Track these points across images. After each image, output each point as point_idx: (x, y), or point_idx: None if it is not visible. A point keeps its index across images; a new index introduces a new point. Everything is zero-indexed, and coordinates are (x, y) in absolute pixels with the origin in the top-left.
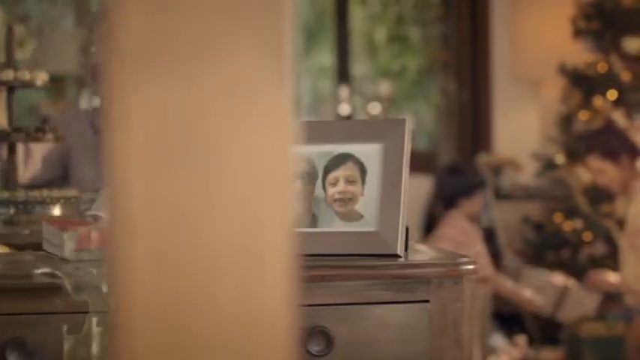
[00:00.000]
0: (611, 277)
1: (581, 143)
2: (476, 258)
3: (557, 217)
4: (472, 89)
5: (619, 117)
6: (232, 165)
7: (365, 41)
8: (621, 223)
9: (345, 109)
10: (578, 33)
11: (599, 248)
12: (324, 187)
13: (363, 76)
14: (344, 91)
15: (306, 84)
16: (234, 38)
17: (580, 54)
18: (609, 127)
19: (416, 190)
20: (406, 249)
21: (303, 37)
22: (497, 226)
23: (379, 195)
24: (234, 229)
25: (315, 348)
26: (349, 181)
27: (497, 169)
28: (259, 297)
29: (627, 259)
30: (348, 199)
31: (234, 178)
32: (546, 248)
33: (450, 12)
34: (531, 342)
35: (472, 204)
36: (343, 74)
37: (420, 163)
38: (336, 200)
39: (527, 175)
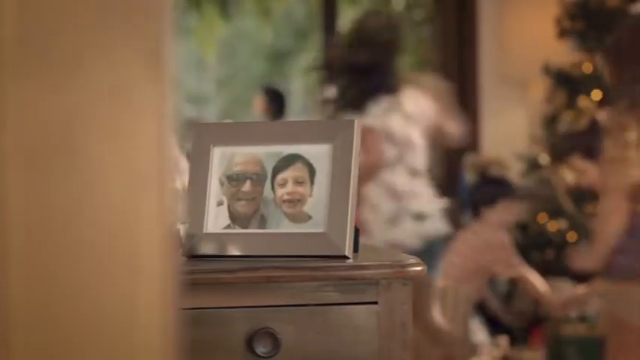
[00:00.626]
0: None
1: (564, 143)
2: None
3: (542, 218)
4: (459, 90)
5: (603, 117)
6: (109, 167)
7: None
8: None
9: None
10: (562, 33)
11: (583, 248)
12: (273, 188)
13: None
14: (331, 91)
15: (297, 83)
16: (112, 39)
17: (565, 54)
18: (593, 127)
19: None
20: (357, 250)
21: (295, 37)
22: None
23: (328, 196)
24: (110, 230)
25: (261, 349)
26: (298, 182)
27: (483, 170)
28: (135, 298)
29: None
30: (296, 200)
31: (112, 181)
32: (530, 249)
33: (438, 12)
34: (513, 342)
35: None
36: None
37: None
38: (284, 201)
39: (514, 175)
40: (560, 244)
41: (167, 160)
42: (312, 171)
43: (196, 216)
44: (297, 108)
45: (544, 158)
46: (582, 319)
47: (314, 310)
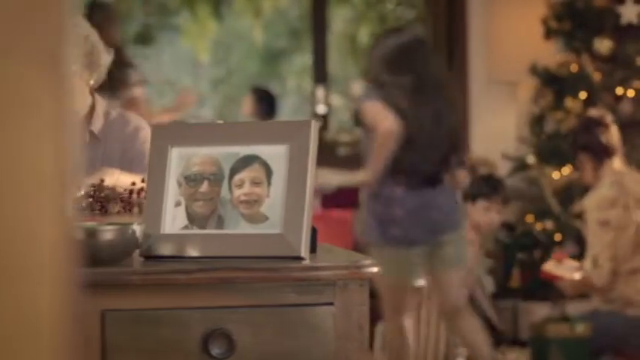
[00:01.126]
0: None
1: (555, 142)
2: None
3: (529, 218)
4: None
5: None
6: (4, 170)
7: (347, 41)
8: None
9: (321, 108)
10: (549, 33)
11: (570, 249)
12: (230, 189)
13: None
14: (320, 91)
15: (291, 84)
16: (6, 40)
17: (552, 54)
18: (590, 123)
19: None
20: (314, 251)
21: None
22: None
23: (284, 197)
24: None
25: (216, 351)
26: (255, 183)
27: (472, 170)
28: (31, 303)
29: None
30: (253, 201)
31: (6, 184)
32: (517, 249)
33: (428, 12)
34: (498, 343)
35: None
36: (320, 74)
37: None
38: (241, 202)
39: (503, 175)
40: (547, 245)
41: (65, 160)
42: (269, 172)
43: (153, 216)
44: (292, 108)
45: (531, 158)
46: (566, 319)
47: (270, 311)
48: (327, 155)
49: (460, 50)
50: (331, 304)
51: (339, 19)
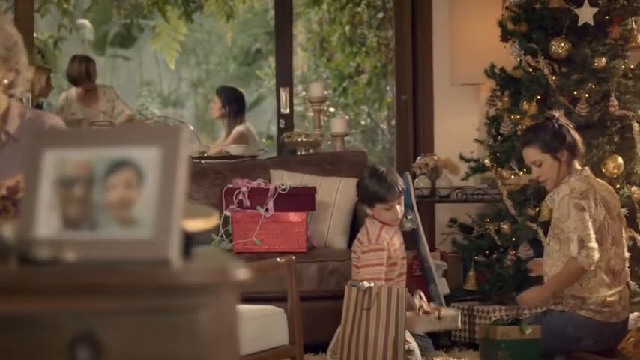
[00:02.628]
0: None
1: (510, 144)
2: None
3: (487, 220)
4: (414, 92)
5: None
6: None
7: (318, 43)
8: (546, 226)
9: (284, 110)
10: (506, 35)
11: (525, 251)
12: (103, 193)
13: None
14: (284, 93)
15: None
16: None
17: (510, 57)
18: (551, 121)
19: (346, 191)
20: (188, 254)
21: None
22: (420, 229)
23: (156, 200)
24: None
25: (84, 355)
26: (127, 187)
27: (434, 171)
28: None
29: (549, 255)
30: (125, 205)
31: None
32: (474, 251)
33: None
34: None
35: (389, 211)
36: (283, 76)
37: (350, 165)
38: (114, 206)
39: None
40: (503, 247)
41: None
42: (141, 175)
43: (28, 220)
44: (270, 109)
45: (487, 160)
46: (516, 322)
47: (139, 316)
48: (288, 157)
49: (425, 52)
50: (201, 308)
51: (309, 22)
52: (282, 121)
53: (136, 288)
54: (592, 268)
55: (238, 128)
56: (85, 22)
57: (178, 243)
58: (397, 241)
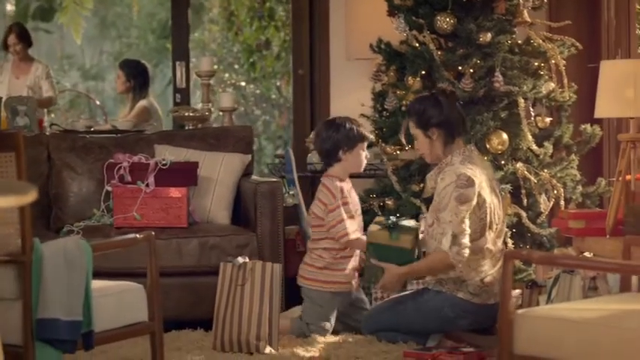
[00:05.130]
0: None
1: (395, 120)
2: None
3: (372, 196)
4: (311, 67)
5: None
6: None
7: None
8: (429, 202)
9: (180, 84)
10: (393, 10)
11: None
12: None
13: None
14: (179, 68)
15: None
16: None
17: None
18: (432, 97)
19: (230, 166)
20: None
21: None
22: (302, 204)
23: None
24: None
25: None
26: None
27: None
28: None
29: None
30: None
31: None
32: None
33: None
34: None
35: (353, 157)
36: (179, 51)
37: (235, 140)
38: None
39: None
40: None
41: None
42: None
43: None
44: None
45: (373, 136)
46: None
47: None
48: (173, 132)
49: (321, 27)
50: None
51: None
52: (178, 96)
53: None
54: (460, 266)
55: (141, 103)
56: None
57: None
58: (354, 194)
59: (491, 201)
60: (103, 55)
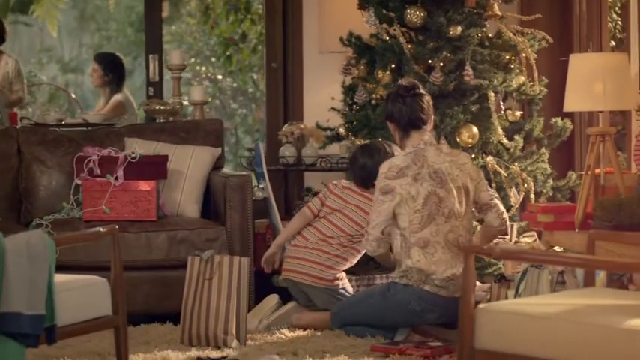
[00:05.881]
0: None
1: (364, 113)
2: None
3: None
4: (284, 60)
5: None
6: None
7: (202, 10)
8: None
9: (153, 77)
10: (364, 3)
11: None
12: None
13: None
14: (152, 61)
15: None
16: None
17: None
18: (394, 92)
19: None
20: None
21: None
22: (271, 198)
23: None
24: None
25: None
26: None
27: (300, 140)
28: None
29: None
30: None
31: None
32: None
33: None
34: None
35: None
36: (151, 44)
37: (205, 133)
38: None
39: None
40: None
41: None
42: None
43: None
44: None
45: (342, 129)
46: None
47: None
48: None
49: (295, 20)
50: None
51: None
52: (151, 89)
53: None
54: (373, 254)
55: (117, 97)
56: None
57: None
58: None
59: (434, 192)
60: (83, 47)
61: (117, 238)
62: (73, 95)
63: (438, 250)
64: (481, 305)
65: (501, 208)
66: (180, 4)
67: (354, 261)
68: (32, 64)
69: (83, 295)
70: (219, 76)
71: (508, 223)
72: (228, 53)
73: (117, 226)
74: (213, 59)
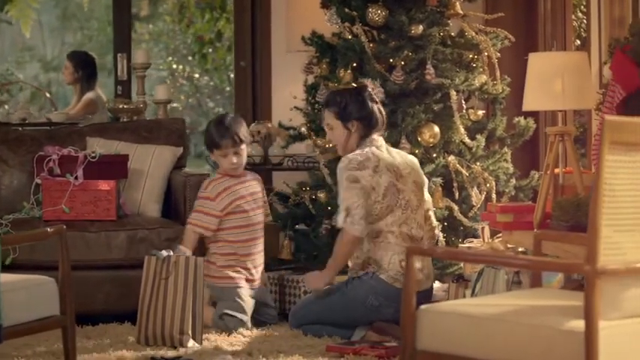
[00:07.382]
0: None
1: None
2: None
3: (305, 189)
4: (253, 59)
5: (372, 85)
6: None
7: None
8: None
9: (122, 76)
10: (326, 2)
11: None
12: None
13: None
14: (120, 60)
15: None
16: None
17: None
18: (355, 90)
19: (161, 159)
20: None
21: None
22: None
23: None
24: None
25: None
26: None
27: (267, 139)
28: None
29: None
30: None
31: None
32: (290, 220)
33: None
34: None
35: (222, 157)
36: (120, 43)
37: (167, 132)
38: None
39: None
40: (318, 216)
41: None
42: None
43: None
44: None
45: (304, 129)
46: None
47: None
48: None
49: (263, 19)
50: None
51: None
52: (119, 88)
53: None
54: (362, 235)
55: (88, 95)
56: None
57: None
58: (244, 191)
59: (393, 184)
60: (65, 46)
61: (64, 238)
62: (48, 95)
63: (390, 239)
64: (423, 306)
65: (434, 221)
66: (158, 2)
67: None
68: (9, 62)
69: (30, 295)
70: (196, 75)
71: (438, 233)
72: (203, 52)
73: (64, 226)
74: (190, 58)
